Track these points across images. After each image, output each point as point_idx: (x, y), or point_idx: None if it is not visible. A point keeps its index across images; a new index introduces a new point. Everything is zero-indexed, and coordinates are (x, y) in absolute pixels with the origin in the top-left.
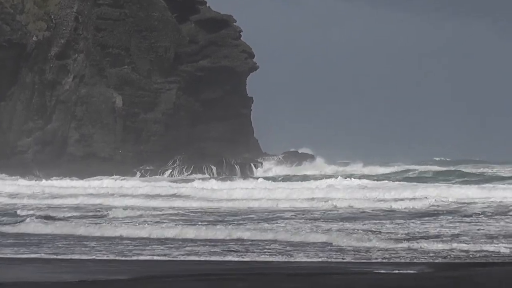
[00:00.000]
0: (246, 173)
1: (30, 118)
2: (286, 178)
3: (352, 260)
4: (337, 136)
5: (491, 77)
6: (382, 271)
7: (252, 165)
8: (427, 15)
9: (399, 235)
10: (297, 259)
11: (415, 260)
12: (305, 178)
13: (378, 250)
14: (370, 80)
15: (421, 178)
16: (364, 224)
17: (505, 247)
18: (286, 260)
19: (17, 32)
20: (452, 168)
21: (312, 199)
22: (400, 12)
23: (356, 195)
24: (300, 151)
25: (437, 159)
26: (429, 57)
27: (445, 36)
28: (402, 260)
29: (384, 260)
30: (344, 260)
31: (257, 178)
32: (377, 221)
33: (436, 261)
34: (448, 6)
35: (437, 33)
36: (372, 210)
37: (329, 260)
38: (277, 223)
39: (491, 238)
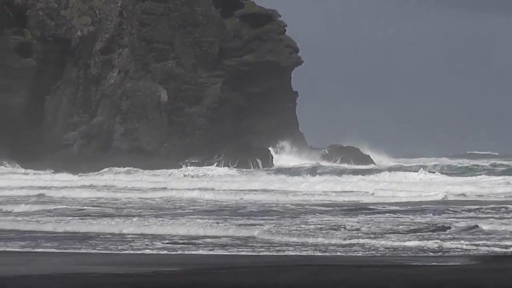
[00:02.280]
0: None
1: (76, 112)
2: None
3: None
4: (381, 129)
5: None
6: None
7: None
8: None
9: None
10: None
11: None
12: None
13: None
14: (416, 74)
15: None
16: None
17: None
18: None
19: (62, 27)
20: None
21: None
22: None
23: None
24: (344, 145)
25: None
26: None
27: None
28: None
29: None
30: None
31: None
32: None
33: None
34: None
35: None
36: None
37: None
38: None
39: None
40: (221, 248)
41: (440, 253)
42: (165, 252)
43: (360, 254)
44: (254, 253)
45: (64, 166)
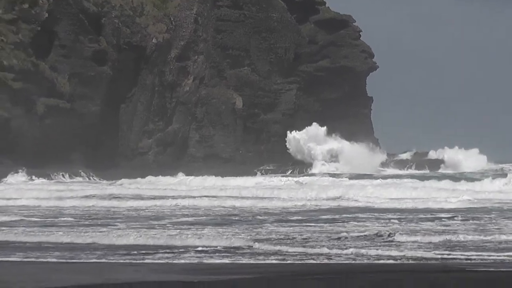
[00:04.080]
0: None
1: (151, 120)
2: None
3: None
4: (458, 136)
5: None
6: None
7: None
8: None
9: None
10: None
11: None
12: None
13: None
14: (495, 80)
15: None
16: None
17: None
18: None
19: (137, 35)
20: None
21: None
22: None
23: None
24: (419, 151)
25: None
26: None
27: None
28: None
29: None
30: None
31: None
32: None
33: None
34: None
35: None
36: None
37: None
38: None
39: None
40: None
41: None
42: None
43: None
44: None
45: (139, 174)
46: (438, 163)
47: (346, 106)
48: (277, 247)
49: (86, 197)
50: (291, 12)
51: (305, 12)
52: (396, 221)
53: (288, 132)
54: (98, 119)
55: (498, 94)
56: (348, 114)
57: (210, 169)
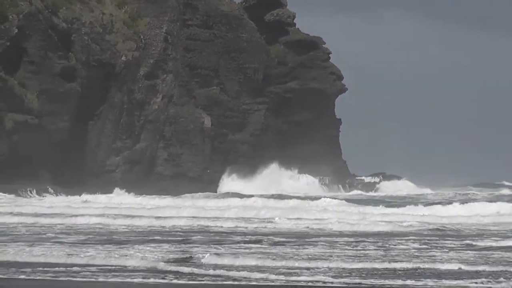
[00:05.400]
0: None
1: (119, 137)
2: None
3: None
4: (425, 157)
5: None
6: None
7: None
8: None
9: None
10: None
11: None
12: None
13: None
14: (460, 101)
15: None
16: None
17: None
18: None
19: (107, 52)
20: None
21: None
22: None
23: None
24: (388, 173)
25: None
26: None
27: None
28: None
29: None
30: None
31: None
32: None
33: None
34: None
35: None
36: None
37: None
38: None
39: None
40: None
41: None
42: None
43: None
44: None
45: (107, 191)
46: (371, 186)
47: (314, 128)
48: None
49: None
50: (260, 33)
51: (275, 33)
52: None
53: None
54: (66, 135)
55: (466, 116)
56: (317, 135)
57: (177, 188)
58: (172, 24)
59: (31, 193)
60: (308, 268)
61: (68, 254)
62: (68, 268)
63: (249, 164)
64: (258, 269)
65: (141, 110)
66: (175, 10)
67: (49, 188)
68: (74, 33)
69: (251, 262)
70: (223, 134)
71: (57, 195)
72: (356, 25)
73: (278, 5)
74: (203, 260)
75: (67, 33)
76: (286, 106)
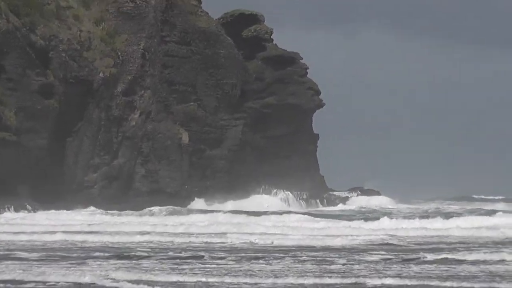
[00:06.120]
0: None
1: (97, 154)
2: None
3: None
4: (403, 172)
5: None
6: None
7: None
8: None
9: None
10: None
11: None
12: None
13: None
14: (438, 114)
15: None
16: None
17: None
18: None
19: (84, 69)
20: None
21: None
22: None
23: None
24: (365, 187)
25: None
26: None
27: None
28: None
29: None
30: None
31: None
32: None
33: None
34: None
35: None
36: None
37: None
38: None
39: None
40: None
41: None
42: None
43: None
44: None
45: (85, 208)
46: (346, 201)
47: (292, 143)
48: None
49: None
50: (238, 49)
51: (252, 48)
52: None
53: None
54: (44, 152)
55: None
56: (294, 151)
57: (155, 203)
58: (150, 40)
59: (8, 210)
60: None
61: None
62: None
63: (227, 180)
64: None
65: (118, 127)
66: (152, 27)
67: (27, 205)
68: (52, 50)
69: None
70: (201, 150)
71: (34, 211)
72: (333, 40)
73: (255, 21)
74: None
75: (44, 50)
76: (264, 122)
